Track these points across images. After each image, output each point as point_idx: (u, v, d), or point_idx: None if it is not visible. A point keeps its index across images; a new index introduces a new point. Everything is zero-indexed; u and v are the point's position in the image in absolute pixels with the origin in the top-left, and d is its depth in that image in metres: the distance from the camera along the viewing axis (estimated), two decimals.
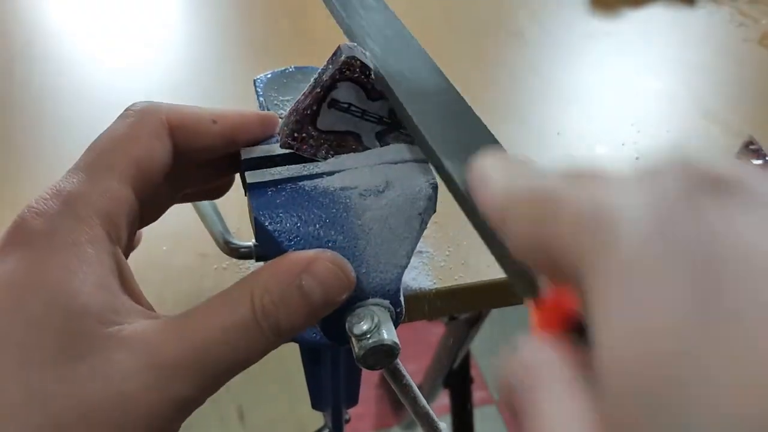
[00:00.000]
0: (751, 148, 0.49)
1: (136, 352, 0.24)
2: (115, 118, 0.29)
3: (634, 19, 0.66)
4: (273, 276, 0.26)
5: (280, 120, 0.32)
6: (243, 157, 0.32)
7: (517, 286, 0.21)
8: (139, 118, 0.29)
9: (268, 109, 0.34)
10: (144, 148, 0.28)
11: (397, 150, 0.32)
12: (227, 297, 0.26)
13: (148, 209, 0.31)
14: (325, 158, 0.32)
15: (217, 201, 0.39)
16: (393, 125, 0.32)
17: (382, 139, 0.32)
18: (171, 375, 0.24)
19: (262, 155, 0.32)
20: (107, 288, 0.25)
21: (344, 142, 0.32)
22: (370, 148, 0.32)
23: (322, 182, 0.31)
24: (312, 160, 0.32)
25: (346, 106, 0.30)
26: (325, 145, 0.31)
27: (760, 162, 0.48)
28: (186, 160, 0.30)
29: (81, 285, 0.24)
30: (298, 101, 0.31)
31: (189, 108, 0.30)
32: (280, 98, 0.35)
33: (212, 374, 0.25)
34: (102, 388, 0.23)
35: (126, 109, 0.29)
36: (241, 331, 0.25)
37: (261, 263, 0.38)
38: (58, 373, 0.23)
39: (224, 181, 0.35)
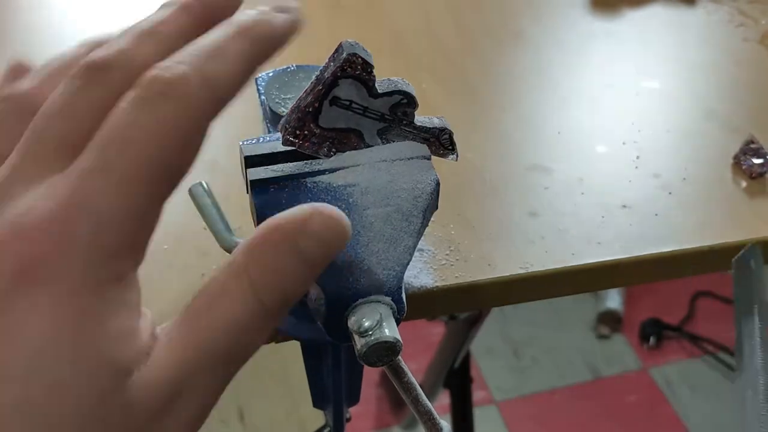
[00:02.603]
0: (751, 147, 0.49)
1: (155, 385, 0.22)
2: None
3: (634, 19, 0.66)
4: (269, 249, 0.23)
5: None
6: (244, 154, 0.32)
7: None
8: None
9: (270, 108, 0.35)
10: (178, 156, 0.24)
11: (400, 147, 0.32)
12: (226, 286, 0.23)
13: None
14: (327, 156, 0.32)
15: (219, 199, 0.39)
16: (395, 122, 0.32)
17: (384, 136, 0.32)
18: (192, 389, 0.23)
19: (264, 152, 0.32)
20: (130, 334, 0.23)
21: (346, 140, 0.32)
22: (372, 146, 0.32)
23: (325, 179, 0.31)
24: (314, 158, 0.32)
25: (347, 103, 0.30)
26: (327, 143, 0.31)
27: (760, 161, 0.49)
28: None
29: (107, 338, 0.22)
30: (299, 99, 0.31)
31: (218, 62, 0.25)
32: (282, 96, 0.35)
33: (223, 378, 0.24)
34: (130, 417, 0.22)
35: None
36: (251, 321, 0.23)
37: None
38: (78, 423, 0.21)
39: None
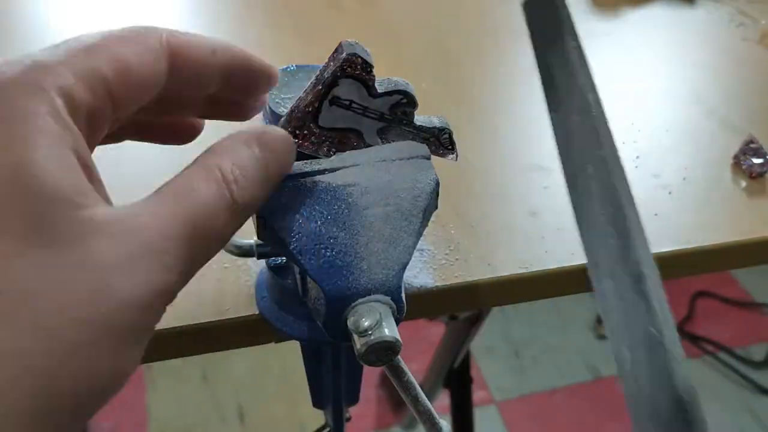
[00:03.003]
0: (751, 147, 0.49)
1: (115, 240, 0.22)
2: None
3: (634, 19, 0.66)
4: (236, 149, 0.27)
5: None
6: None
7: None
8: (135, 30, 0.26)
9: (270, 108, 0.35)
10: (134, 53, 0.25)
11: (400, 147, 0.32)
12: (198, 173, 0.25)
13: (129, 127, 0.30)
14: (327, 155, 0.32)
15: None
16: (395, 121, 0.32)
17: (383, 136, 0.32)
18: (156, 264, 0.22)
19: None
20: (71, 168, 0.22)
21: (346, 139, 0.32)
22: (371, 145, 0.32)
23: (324, 179, 0.31)
24: (314, 157, 0.32)
25: (347, 103, 0.30)
26: (327, 142, 0.31)
27: (760, 161, 0.48)
28: (177, 88, 0.28)
29: (45, 162, 0.21)
30: (299, 99, 0.31)
31: (190, 34, 0.28)
32: (282, 96, 0.35)
33: (194, 257, 0.24)
34: (88, 280, 0.21)
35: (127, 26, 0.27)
36: (218, 210, 0.25)
37: (262, 261, 0.38)
38: (32, 263, 0.20)
39: (198, 122, 0.33)
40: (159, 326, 0.38)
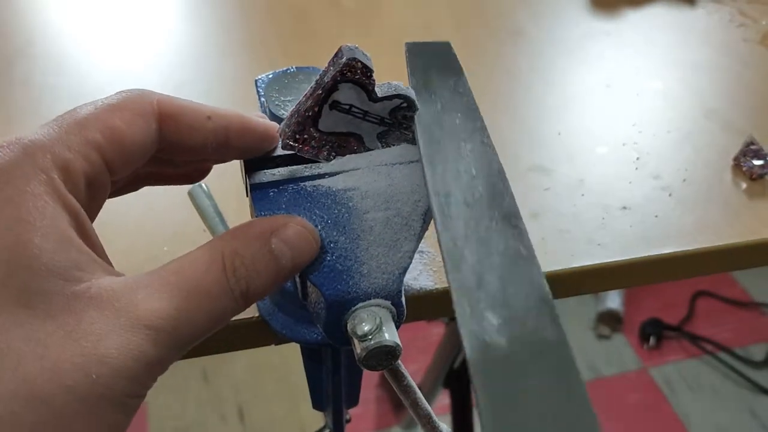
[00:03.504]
0: (751, 148, 0.49)
1: (109, 312, 0.23)
2: None
3: (634, 19, 0.66)
4: (244, 239, 0.26)
5: (277, 127, 0.32)
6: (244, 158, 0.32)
7: None
8: (126, 97, 0.28)
9: (270, 110, 0.34)
10: (124, 121, 0.27)
11: (399, 151, 0.32)
12: (198, 258, 0.26)
13: (126, 184, 0.31)
14: (327, 160, 0.32)
15: (218, 201, 0.39)
16: (394, 126, 0.32)
17: (383, 140, 0.32)
18: (147, 337, 0.23)
19: (264, 156, 0.32)
20: (69, 242, 0.24)
21: (346, 144, 0.32)
22: (371, 149, 0.32)
23: (325, 183, 0.31)
24: (314, 162, 0.32)
25: (347, 107, 0.30)
26: (327, 147, 0.31)
27: (761, 162, 0.48)
28: (175, 149, 0.29)
29: (42, 240, 0.23)
30: (299, 103, 0.31)
31: (185, 101, 0.29)
32: (282, 99, 0.35)
33: (183, 337, 0.24)
34: (76, 350, 0.22)
35: (122, 90, 0.29)
36: (213, 293, 0.25)
37: None
38: (26, 333, 0.22)
39: (206, 166, 0.34)
40: None
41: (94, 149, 0.26)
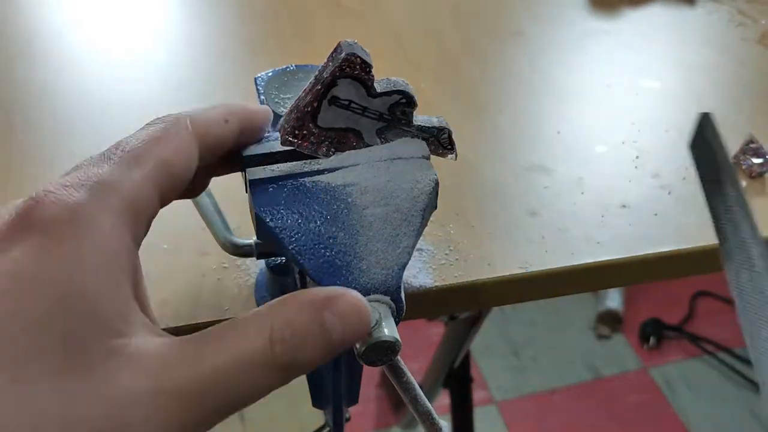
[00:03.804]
0: (751, 147, 0.49)
1: (142, 375, 0.22)
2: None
3: (633, 18, 0.66)
4: (295, 309, 0.25)
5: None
6: (244, 154, 0.32)
7: None
8: (167, 126, 0.27)
9: (270, 108, 0.35)
10: (173, 151, 0.27)
11: (399, 146, 0.32)
12: (244, 326, 0.24)
13: None
14: (326, 155, 0.32)
15: (217, 199, 0.39)
16: (394, 121, 0.32)
17: (382, 136, 0.32)
18: (176, 404, 0.22)
19: (263, 152, 0.32)
20: (120, 292, 0.23)
21: (345, 139, 0.32)
22: (371, 145, 0.32)
23: (324, 179, 0.31)
24: (313, 158, 0.32)
25: (346, 103, 0.30)
26: (326, 142, 0.31)
27: (760, 161, 0.48)
28: (206, 163, 0.29)
29: (93, 285, 0.22)
30: (298, 98, 0.31)
31: (206, 112, 0.29)
32: (281, 96, 0.35)
33: (218, 407, 0.23)
34: (103, 412, 0.21)
35: (153, 120, 0.28)
36: (256, 364, 0.23)
37: (262, 261, 0.38)
38: (55, 387, 0.21)
39: (208, 180, 0.34)
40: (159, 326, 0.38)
41: (154, 186, 0.26)
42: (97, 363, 0.22)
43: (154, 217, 0.26)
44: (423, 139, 0.33)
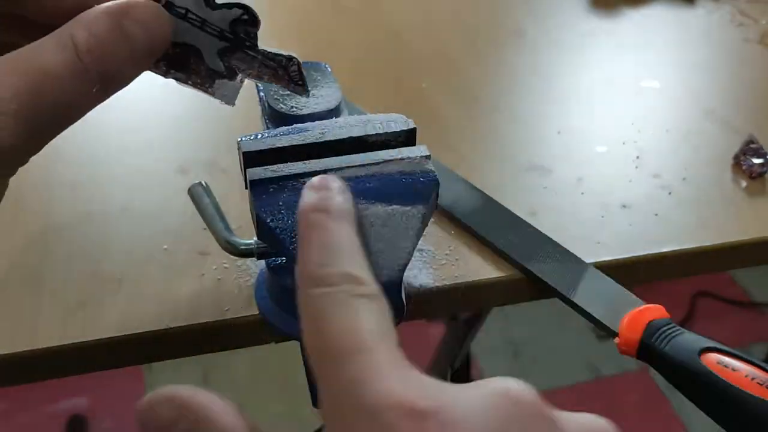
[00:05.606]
0: (751, 147, 0.49)
1: None
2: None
3: (634, 18, 0.66)
4: (94, 19, 0.26)
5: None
6: (243, 150, 0.32)
7: None
8: None
9: (268, 104, 0.34)
10: None
11: (400, 149, 0.32)
12: (48, 40, 0.25)
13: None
14: (164, 75, 0.30)
15: (218, 199, 0.39)
16: (237, 43, 0.30)
17: (225, 59, 0.30)
18: (5, 120, 0.23)
19: (263, 148, 0.32)
20: None
21: (185, 60, 0.30)
22: (213, 69, 0.30)
23: None
24: (310, 157, 0.32)
25: (183, 11, 0.29)
26: (163, 61, 0.30)
27: (760, 161, 0.48)
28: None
29: None
30: None
31: None
32: (280, 93, 0.35)
33: (37, 120, 0.24)
34: None
35: None
36: (68, 72, 0.25)
37: (262, 261, 0.38)
38: None
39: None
40: (159, 326, 0.38)
41: None
42: None
43: None
44: (270, 68, 0.31)
